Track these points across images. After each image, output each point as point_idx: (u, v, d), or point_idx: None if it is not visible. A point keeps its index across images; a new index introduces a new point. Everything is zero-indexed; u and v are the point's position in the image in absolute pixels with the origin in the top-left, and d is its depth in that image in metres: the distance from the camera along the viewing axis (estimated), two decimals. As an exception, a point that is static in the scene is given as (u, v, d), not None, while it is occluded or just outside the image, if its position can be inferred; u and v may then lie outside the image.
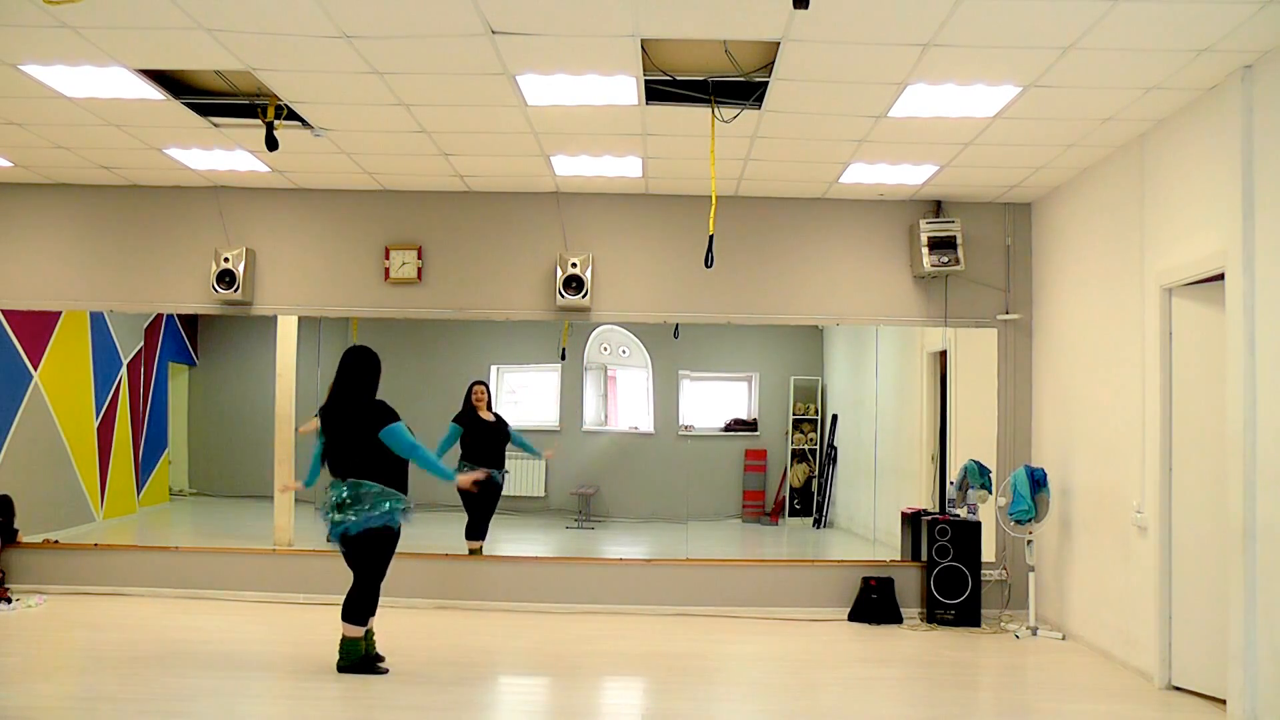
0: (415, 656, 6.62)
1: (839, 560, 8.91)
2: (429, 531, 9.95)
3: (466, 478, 6.41)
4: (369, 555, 6.07)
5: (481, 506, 8.96)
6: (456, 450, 8.99)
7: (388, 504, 6.02)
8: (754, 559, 9.53)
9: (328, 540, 6.12)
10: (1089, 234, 7.42)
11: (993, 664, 7.04)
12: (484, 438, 9.01)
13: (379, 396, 6.22)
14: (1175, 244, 6.15)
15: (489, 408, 9.13)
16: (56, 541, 8.67)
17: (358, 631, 6.09)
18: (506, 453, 9.28)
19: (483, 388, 9.11)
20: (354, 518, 5.97)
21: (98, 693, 5.62)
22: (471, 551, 8.79)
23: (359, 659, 6.09)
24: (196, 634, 7.14)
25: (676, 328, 9.55)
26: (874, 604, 8.08)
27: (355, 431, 6.06)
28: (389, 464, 6.08)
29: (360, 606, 6.07)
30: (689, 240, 8.36)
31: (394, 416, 6.10)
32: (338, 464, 6.08)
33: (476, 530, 8.93)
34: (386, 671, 6.11)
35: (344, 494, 6.01)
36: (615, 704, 6.01)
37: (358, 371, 6.16)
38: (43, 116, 6.75)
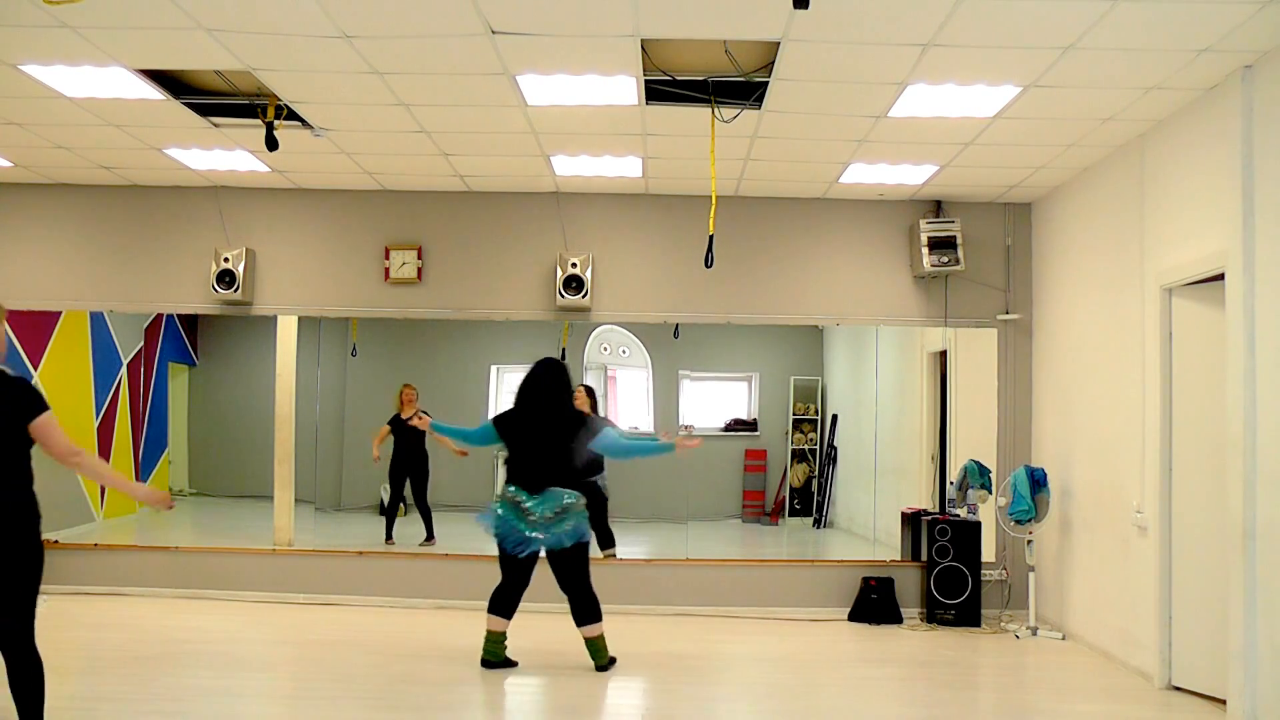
0: (416, 656, 6.62)
1: (839, 560, 8.91)
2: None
3: (688, 440, 6.45)
4: (581, 565, 6.29)
5: (598, 514, 8.55)
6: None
7: (583, 515, 6.25)
8: (754, 559, 9.53)
9: (516, 550, 6.22)
10: (1089, 234, 7.42)
11: (993, 664, 7.04)
12: None
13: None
14: (1175, 244, 6.15)
15: None
16: (56, 541, 8.66)
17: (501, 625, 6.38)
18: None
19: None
20: (563, 532, 6.18)
21: (98, 693, 5.61)
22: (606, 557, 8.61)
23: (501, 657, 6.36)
24: (196, 634, 7.14)
25: (676, 328, 9.54)
26: (874, 604, 8.08)
27: (560, 443, 6.22)
28: (577, 474, 6.29)
29: (587, 608, 6.31)
30: (689, 240, 8.36)
31: (604, 423, 6.43)
32: (535, 475, 6.18)
33: (606, 539, 8.71)
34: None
35: (551, 507, 6.16)
36: (615, 704, 6.01)
37: (559, 384, 6.29)
38: (43, 116, 6.75)
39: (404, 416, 10.07)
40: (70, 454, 4.28)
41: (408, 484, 9.98)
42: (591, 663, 6.39)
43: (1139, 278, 6.58)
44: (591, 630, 6.33)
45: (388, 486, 12.21)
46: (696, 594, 8.25)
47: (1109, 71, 5.52)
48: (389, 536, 9.73)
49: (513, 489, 6.20)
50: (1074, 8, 4.73)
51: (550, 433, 6.22)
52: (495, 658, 6.36)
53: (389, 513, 9.92)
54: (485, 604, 8.26)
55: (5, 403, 4.17)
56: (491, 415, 6.49)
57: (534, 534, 6.15)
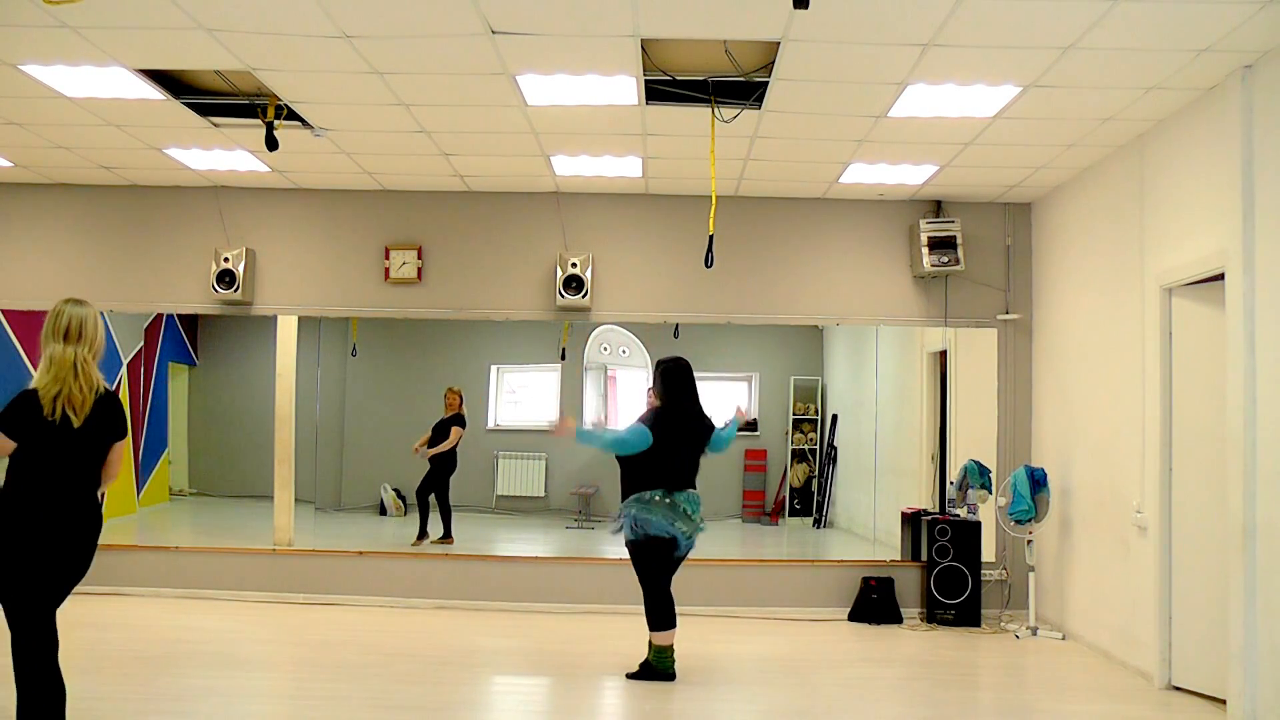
0: (415, 656, 6.62)
1: (839, 560, 8.91)
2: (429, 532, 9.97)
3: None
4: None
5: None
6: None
7: None
8: (754, 559, 9.53)
9: (678, 551, 6.11)
10: (1089, 234, 7.43)
11: (993, 664, 7.05)
12: None
13: None
14: (1175, 244, 6.15)
15: None
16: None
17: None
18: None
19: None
20: (698, 532, 6.16)
21: (98, 693, 5.61)
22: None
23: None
24: (196, 634, 7.14)
25: (676, 328, 9.54)
26: (874, 604, 8.08)
27: (701, 443, 6.19)
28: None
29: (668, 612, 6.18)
30: (689, 240, 8.36)
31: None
32: (684, 475, 6.13)
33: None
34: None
35: (698, 507, 6.13)
36: (615, 704, 6.01)
37: (694, 382, 6.24)
38: (43, 116, 6.75)
39: (445, 417, 10.21)
40: (112, 479, 4.53)
41: (434, 483, 10.07)
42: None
43: (1139, 278, 6.58)
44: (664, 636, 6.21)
45: (387, 486, 12.22)
46: (696, 594, 8.24)
47: (1109, 71, 5.52)
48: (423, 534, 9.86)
49: (660, 494, 6.02)
50: (1074, 8, 4.74)
51: (700, 431, 6.21)
52: (673, 669, 6.19)
53: (440, 512, 10.03)
54: (484, 603, 8.30)
55: (104, 418, 4.26)
56: (639, 420, 6.15)
57: (692, 536, 6.12)
